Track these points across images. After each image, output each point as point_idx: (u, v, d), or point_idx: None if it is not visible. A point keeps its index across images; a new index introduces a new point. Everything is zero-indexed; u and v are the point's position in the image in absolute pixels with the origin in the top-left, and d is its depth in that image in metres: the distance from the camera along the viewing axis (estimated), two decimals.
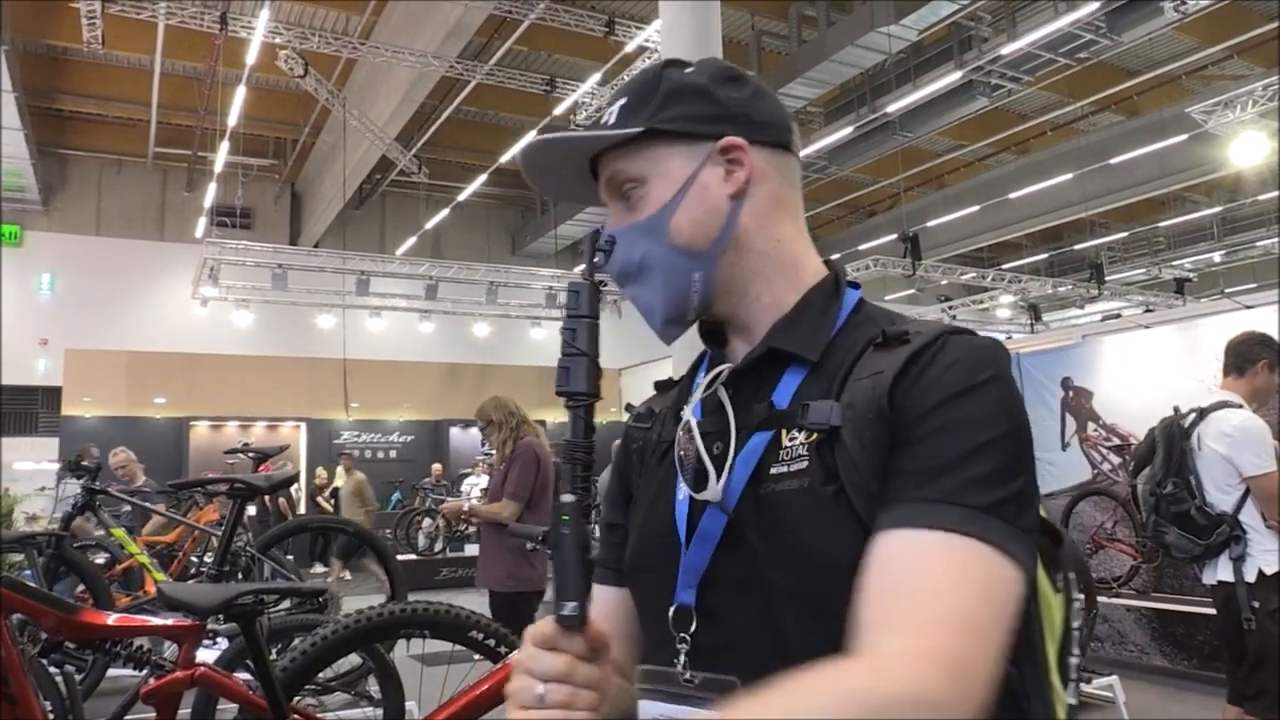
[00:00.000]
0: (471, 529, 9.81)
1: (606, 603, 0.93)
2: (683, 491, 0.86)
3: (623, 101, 0.90)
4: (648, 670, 0.85)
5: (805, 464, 0.79)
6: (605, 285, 0.83)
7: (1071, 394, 6.27)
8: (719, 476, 0.82)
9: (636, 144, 0.88)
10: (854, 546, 0.74)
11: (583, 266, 0.84)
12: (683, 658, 0.81)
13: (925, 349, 0.78)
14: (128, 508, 6.29)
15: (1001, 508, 0.71)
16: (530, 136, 14.00)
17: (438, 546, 12.27)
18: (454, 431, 18.16)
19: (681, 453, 0.87)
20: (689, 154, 0.88)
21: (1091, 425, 6.13)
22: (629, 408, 1.04)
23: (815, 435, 0.79)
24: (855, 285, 0.91)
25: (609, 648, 0.74)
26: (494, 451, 4.61)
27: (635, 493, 0.97)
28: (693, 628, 0.82)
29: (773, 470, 0.80)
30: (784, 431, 0.81)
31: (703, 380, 0.89)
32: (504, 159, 15.31)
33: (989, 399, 0.76)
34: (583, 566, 0.72)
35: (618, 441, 1.08)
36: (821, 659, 0.72)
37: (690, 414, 0.87)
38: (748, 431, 0.83)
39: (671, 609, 0.83)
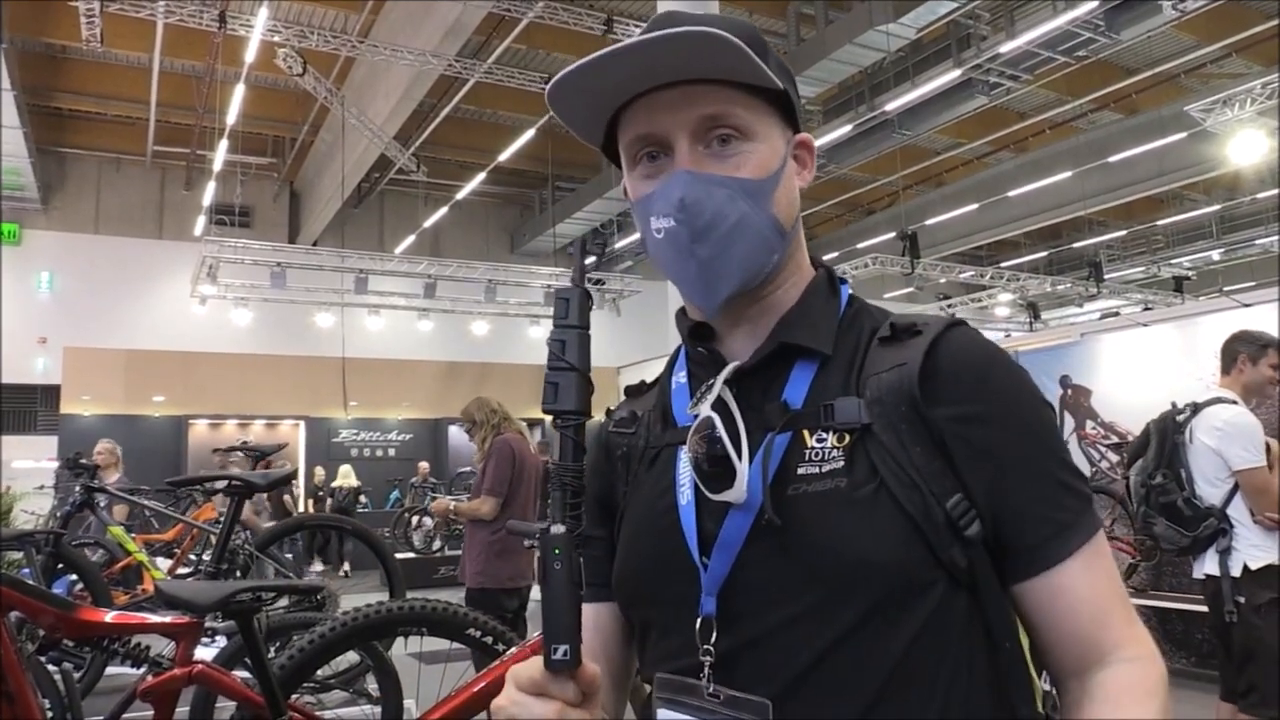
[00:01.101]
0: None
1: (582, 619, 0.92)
2: (686, 495, 0.82)
3: (736, 36, 0.75)
4: (667, 679, 0.81)
5: (840, 464, 0.76)
6: (601, 284, 0.80)
7: (1070, 392, 6.27)
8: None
9: (752, 95, 0.81)
10: (897, 541, 0.73)
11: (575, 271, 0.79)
12: (707, 670, 0.77)
13: (940, 340, 0.79)
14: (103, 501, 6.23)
15: (1086, 498, 0.80)
16: (529, 135, 13.85)
17: (435, 545, 12.26)
18: (452, 430, 18.14)
19: (693, 454, 0.81)
20: (783, 134, 0.85)
21: (1090, 423, 6.14)
22: (608, 412, 0.99)
23: (848, 437, 0.77)
24: (843, 280, 0.91)
25: (599, 690, 0.70)
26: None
27: (621, 502, 0.91)
28: (713, 638, 0.77)
29: (800, 471, 0.77)
30: (807, 432, 0.79)
31: (718, 379, 0.82)
32: (504, 156, 15.30)
33: (1035, 401, 0.81)
34: (574, 604, 0.67)
35: None
36: (842, 660, 0.74)
37: (708, 411, 0.81)
38: (762, 432, 0.79)
39: (698, 620, 0.78)
